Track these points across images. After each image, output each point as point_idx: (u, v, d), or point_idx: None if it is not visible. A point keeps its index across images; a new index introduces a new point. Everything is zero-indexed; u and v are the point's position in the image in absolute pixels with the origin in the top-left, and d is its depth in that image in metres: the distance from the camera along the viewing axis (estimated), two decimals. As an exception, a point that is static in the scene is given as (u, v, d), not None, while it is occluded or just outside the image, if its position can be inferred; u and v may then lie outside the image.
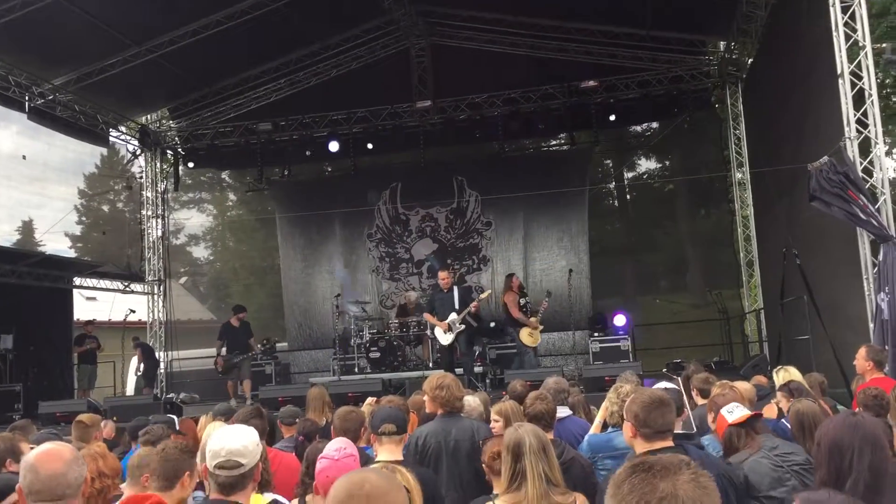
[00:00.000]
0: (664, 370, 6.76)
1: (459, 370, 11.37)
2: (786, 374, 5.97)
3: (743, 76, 14.91)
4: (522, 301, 12.83)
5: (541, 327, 12.68)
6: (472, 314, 13.84)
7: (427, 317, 12.27)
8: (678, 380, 5.62)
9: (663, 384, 4.70)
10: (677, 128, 16.77)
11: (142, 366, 15.90)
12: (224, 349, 13.44)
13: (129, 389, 17.06)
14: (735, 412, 4.00)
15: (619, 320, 14.53)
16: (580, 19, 14.50)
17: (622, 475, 1.51)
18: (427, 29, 15.67)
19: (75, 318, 16.69)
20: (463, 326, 11.48)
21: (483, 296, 12.80)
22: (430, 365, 13.11)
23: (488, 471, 3.79)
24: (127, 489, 3.89)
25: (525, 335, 12.52)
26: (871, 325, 8.06)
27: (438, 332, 11.69)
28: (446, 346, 11.68)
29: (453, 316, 11.45)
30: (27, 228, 25.14)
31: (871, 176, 8.24)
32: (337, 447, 3.41)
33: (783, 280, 11.60)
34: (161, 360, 16.66)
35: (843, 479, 2.48)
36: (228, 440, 2.94)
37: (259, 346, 13.91)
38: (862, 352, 6.27)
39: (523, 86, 15.72)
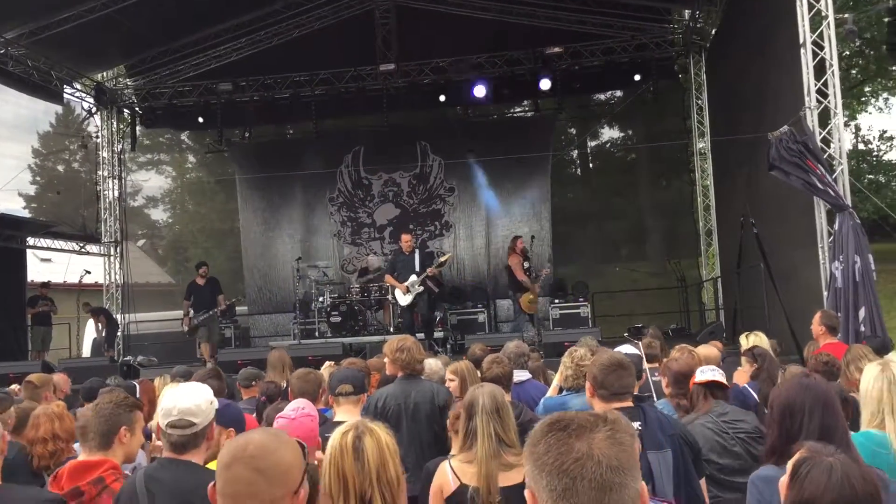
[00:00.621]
0: (626, 334, 6.81)
1: (421, 335, 11.40)
2: (756, 338, 6.05)
3: (706, 45, 14.97)
4: (526, 265, 12.62)
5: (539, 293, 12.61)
6: (433, 279, 13.84)
7: (388, 278, 12.27)
8: (639, 344, 5.68)
9: (626, 348, 4.75)
10: (641, 97, 16.81)
11: (104, 332, 15.65)
12: (191, 309, 13.27)
13: (86, 352, 16.85)
14: (706, 373, 4.05)
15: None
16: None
17: (538, 433, 1.48)
18: (391, -11, 15.43)
19: (29, 279, 16.36)
20: (421, 288, 11.57)
21: (443, 259, 12.72)
22: (392, 330, 13.12)
23: (450, 429, 3.80)
24: (81, 453, 3.83)
25: (525, 301, 12.39)
26: (825, 293, 8.23)
27: (398, 293, 11.80)
28: (407, 309, 11.78)
29: (413, 278, 11.55)
30: (-21, 187, 24.47)
31: (829, 146, 8.35)
32: (294, 407, 3.39)
33: (740, 248, 11.77)
34: (118, 322, 16.43)
35: (793, 440, 2.52)
36: (180, 399, 2.88)
37: (225, 302, 13.61)
38: (816, 317, 6.39)
39: (489, 50, 15.58)
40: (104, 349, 15.41)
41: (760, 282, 10.22)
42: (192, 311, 13.28)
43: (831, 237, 8.23)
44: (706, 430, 3.84)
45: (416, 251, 12.15)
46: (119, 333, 16.28)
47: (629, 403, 3.24)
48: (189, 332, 13.38)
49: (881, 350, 5.48)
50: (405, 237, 12.27)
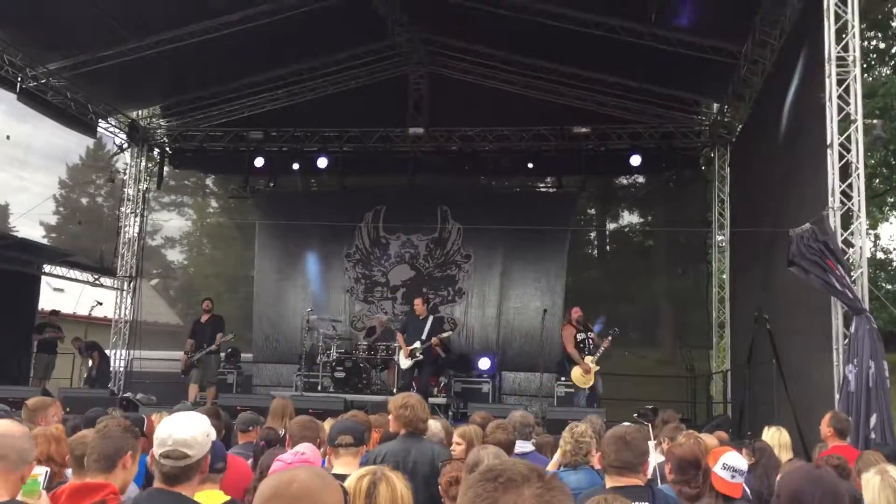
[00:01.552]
0: (635, 416, 6.66)
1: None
2: (777, 432, 5.95)
3: (732, 139, 15.11)
4: (580, 336, 12.08)
5: (596, 367, 11.93)
6: (440, 344, 13.84)
7: (399, 337, 12.55)
8: (647, 426, 5.60)
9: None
10: (663, 183, 16.95)
11: (95, 369, 15.38)
12: (193, 350, 13.04)
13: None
14: (726, 473, 3.78)
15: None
16: (578, 65, 14.65)
17: (470, 481, 1.47)
18: (427, 57, 15.77)
19: (40, 307, 16.42)
20: (421, 357, 11.87)
21: (444, 335, 12.70)
22: (395, 391, 13.01)
23: (444, 495, 3.72)
24: (73, 476, 3.75)
25: (577, 374, 11.82)
26: (837, 396, 8.09)
27: (401, 354, 12.15)
28: (407, 372, 12.12)
29: (417, 344, 11.87)
30: (2, 213, 24.83)
31: (850, 247, 8.33)
32: (295, 451, 3.34)
33: (752, 343, 11.65)
34: (122, 357, 16.39)
35: (801, 531, 2.46)
36: (176, 429, 2.82)
37: (220, 340, 13.06)
38: (826, 418, 6.29)
39: (516, 124, 15.82)
40: (94, 385, 15.20)
41: (771, 379, 10.08)
42: (192, 352, 13.01)
43: (847, 340, 8.14)
44: None
45: (431, 317, 12.35)
46: (122, 368, 16.24)
47: (636, 482, 3.17)
48: (183, 372, 13.08)
49: (893, 458, 5.37)
50: (418, 301, 12.54)
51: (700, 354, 16.05)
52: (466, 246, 16.86)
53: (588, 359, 11.80)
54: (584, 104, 15.25)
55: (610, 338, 11.96)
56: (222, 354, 13.55)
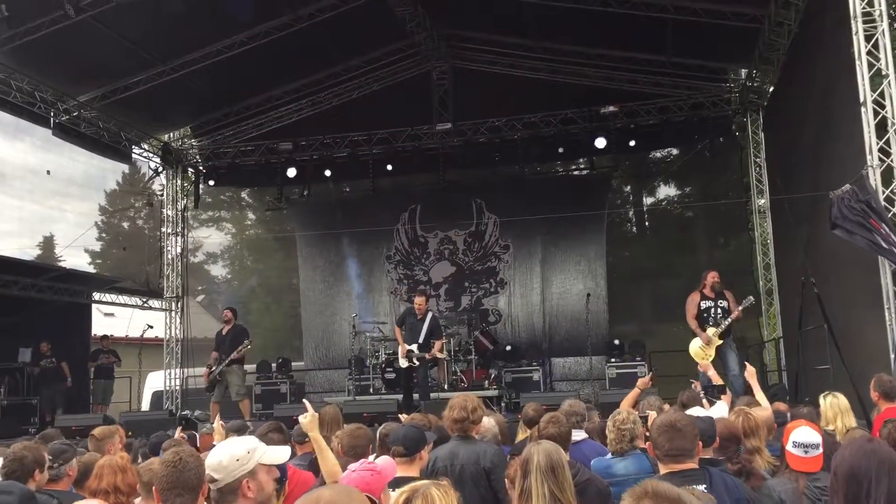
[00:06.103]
0: (702, 394, 6.35)
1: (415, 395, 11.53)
2: (833, 399, 5.83)
3: (764, 104, 14.86)
4: (705, 304, 10.35)
5: (718, 342, 10.09)
6: (487, 336, 13.68)
7: (396, 330, 12.20)
8: (722, 404, 5.57)
9: (695, 410, 4.67)
10: (697, 155, 16.72)
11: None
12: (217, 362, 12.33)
13: (145, 405, 17.14)
14: (799, 450, 3.81)
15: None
16: (601, 45, 14.54)
17: None
18: (449, 52, 15.76)
19: (93, 333, 16.79)
20: (417, 363, 11.52)
21: (438, 354, 12.00)
22: (446, 387, 13.08)
23: (509, 487, 3.77)
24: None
25: (695, 349, 10.15)
26: (893, 356, 7.96)
27: (399, 350, 11.79)
28: (404, 370, 11.79)
29: (415, 348, 11.49)
30: (48, 244, 25.34)
31: (893, 205, 8.17)
32: (362, 462, 3.39)
33: (801, 309, 11.48)
34: (177, 376, 16.71)
35: (861, 507, 2.44)
36: (213, 452, 2.86)
37: (238, 351, 12.10)
38: (871, 383, 6.21)
39: (544, 110, 15.74)
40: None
41: (824, 343, 9.92)
42: (214, 365, 12.25)
43: (897, 298, 7.98)
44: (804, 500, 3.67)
45: (429, 315, 11.79)
46: (177, 387, 16.56)
47: (691, 466, 3.18)
48: (207, 389, 12.41)
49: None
50: (418, 300, 11.86)
51: (750, 324, 15.81)
52: (504, 236, 16.88)
53: (710, 330, 10.08)
54: (611, 84, 15.12)
55: (741, 308, 10.16)
56: (253, 366, 13.23)
